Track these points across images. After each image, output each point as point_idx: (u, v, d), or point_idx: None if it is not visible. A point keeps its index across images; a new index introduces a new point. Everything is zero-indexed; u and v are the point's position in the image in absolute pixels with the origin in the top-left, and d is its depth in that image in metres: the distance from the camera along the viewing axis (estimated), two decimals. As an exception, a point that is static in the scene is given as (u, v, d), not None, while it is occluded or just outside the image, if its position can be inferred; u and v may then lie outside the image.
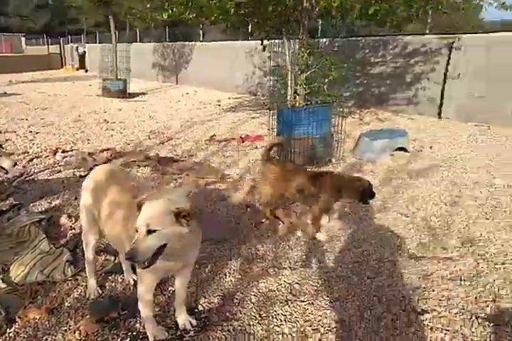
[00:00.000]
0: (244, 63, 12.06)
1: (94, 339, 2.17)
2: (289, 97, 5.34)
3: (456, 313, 2.39)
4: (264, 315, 2.38)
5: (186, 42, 15.10)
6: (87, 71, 21.34)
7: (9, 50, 29.04)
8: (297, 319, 2.35)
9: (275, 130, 5.41)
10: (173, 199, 1.87)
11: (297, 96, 5.27)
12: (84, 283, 2.65)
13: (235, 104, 10.54)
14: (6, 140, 6.34)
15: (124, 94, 11.83)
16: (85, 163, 5.18)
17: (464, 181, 4.54)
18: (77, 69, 22.62)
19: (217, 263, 2.92)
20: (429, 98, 8.14)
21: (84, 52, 22.39)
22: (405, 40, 8.53)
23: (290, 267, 2.88)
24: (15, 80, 16.22)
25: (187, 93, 12.73)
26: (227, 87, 12.64)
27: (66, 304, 2.47)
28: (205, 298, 2.54)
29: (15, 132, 7.00)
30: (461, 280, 2.71)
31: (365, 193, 3.15)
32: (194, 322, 2.28)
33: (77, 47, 22.75)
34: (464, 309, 2.43)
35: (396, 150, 5.58)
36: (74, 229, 3.41)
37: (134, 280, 2.63)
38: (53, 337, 2.20)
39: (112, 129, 7.45)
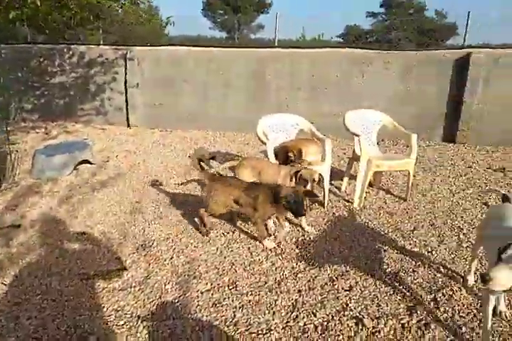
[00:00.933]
0: None
1: None
2: None
3: (124, 323, 2.41)
4: None
5: None
6: None
7: None
8: None
9: None
10: None
11: None
12: None
13: None
14: None
15: None
16: None
17: (145, 186, 4.79)
18: None
19: None
20: (116, 107, 8.28)
21: None
22: (81, 49, 8.30)
23: None
24: None
25: None
26: None
27: None
28: None
29: None
30: (131, 287, 2.77)
31: (278, 196, 3.14)
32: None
33: None
34: (131, 316, 2.47)
35: (81, 163, 5.34)
36: None
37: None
38: None
39: None
